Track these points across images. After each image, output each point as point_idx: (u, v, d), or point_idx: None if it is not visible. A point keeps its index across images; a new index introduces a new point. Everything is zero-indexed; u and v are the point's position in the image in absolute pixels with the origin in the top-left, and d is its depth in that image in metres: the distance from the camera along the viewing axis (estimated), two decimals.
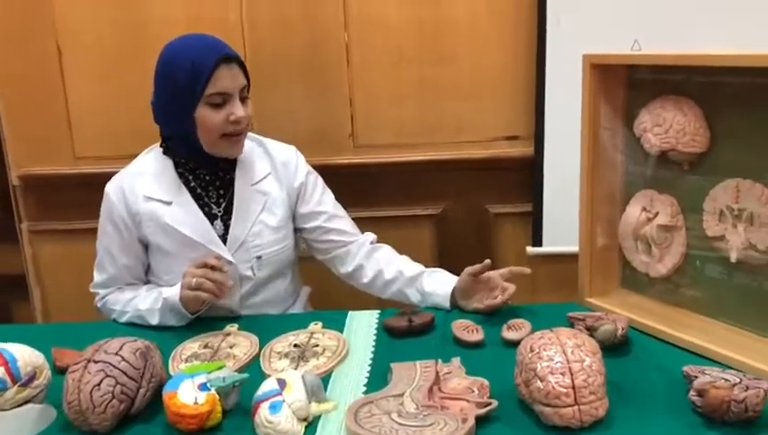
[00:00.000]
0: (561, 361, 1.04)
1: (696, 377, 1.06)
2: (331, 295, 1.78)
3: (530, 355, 1.07)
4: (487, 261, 1.44)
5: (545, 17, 1.85)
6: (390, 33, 1.92)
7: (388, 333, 1.38)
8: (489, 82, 1.95)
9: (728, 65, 1.16)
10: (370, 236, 1.63)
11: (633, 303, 1.42)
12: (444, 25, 1.92)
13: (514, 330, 1.32)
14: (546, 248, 2.01)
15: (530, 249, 2.03)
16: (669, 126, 1.27)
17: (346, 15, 1.92)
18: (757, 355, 1.17)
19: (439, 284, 1.50)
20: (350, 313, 1.48)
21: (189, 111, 1.40)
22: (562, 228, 1.93)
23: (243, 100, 1.44)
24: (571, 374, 1.02)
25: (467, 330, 1.34)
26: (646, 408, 1.08)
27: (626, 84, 1.38)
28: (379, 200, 2.02)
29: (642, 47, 1.33)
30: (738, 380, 1.03)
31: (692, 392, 1.05)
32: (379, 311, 1.48)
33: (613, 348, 1.25)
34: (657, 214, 1.36)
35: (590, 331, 1.27)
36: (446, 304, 1.47)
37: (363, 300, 1.65)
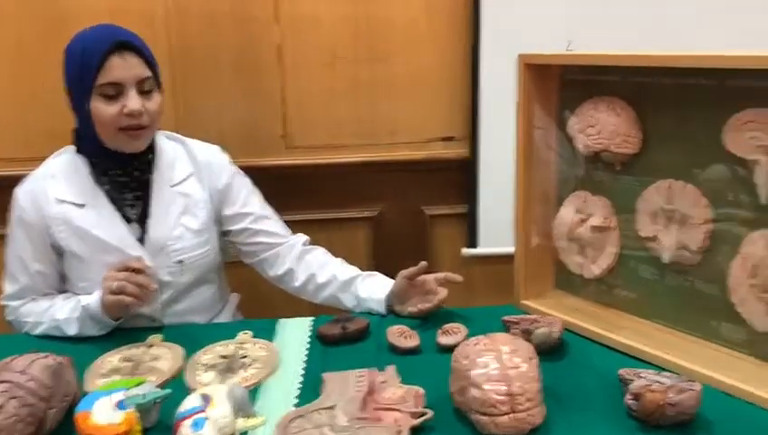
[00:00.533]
0: (496, 368, 1.01)
1: (632, 380, 1.05)
2: (262, 302, 1.72)
3: (465, 362, 1.04)
4: (423, 263, 1.42)
5: (480, 18, 1.83)
6: (324, 31, 1.87)
7: (321, 341, 1.33)
8: (425, 82, 1.92)
9: (660, 66, 1.16)
10: (302, 237, 1.57)
11: (568, 304, 1.41)
12: (379, 24, 1.88)
13: (450, 335, 1.29)
14: (482, 250, 2.00)
15: (465, 251, 2.01)
16: (602, 127, 1.27)
17: (277, 12, 1.86)
18: (690, 356, 1.17)
19: (375, 288, 1.46)
20: (281, 320, 1.43)
21: (84, 103, 1.33)
22: (498, 229, 1.92)
23: (145, 92, 1.35)
24: (507, 381, 1.00)
25: (403, 336, 1.30)
26: (582, 413, 1.06)
27: (559, 85, 1.38)
28: (313, 203, 1.97)
29: (576, 48, 1.33)
30: (672, 382, 1.02)
31: (628, 396, 1.04)
32: (312, 318, 1.43)
33: (549, 352, 1.24)
34: (590, 215, 1.35)
35: (526, 334, 1.25)
36: (382, 309, 1.43)
37: (296, 306, 1.59)
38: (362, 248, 2.01)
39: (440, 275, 1.43)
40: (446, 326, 1.32)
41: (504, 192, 1.87)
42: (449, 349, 1.21)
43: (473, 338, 1.09)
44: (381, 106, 1.93)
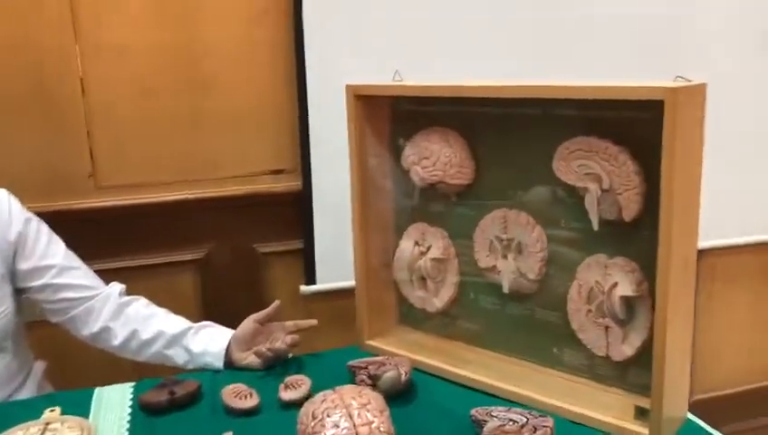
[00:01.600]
0: (347, 426, 0.92)
1: (485, 421, 1.02)
2: (75, 368, 1.50)
3: (312, 423, 0.94)
4: (276, 302, 1.34)
5: (303, 46, 1.76)
6: (135, 59, 1.70)
7: (145, 411, 1.16)
8: (249, 112, 1.81)
9: (487, 96, 1.16)
10: (117, 286, 1.38)
11: (413, 340, 1.37)
12: (196, 52, 1.74)
13: (293, 389, 1.19)
14: (321, 286, 1.91)
15: (303, 288, 1.92)
16: (437, 158, 1.24)
17: (78, 39, 1.66)
18: (536, 387, 1.16)
19: (210, 340, 1.32)
20: (96, 389, 1.24)
21: None
22: (336, 263, 1.85)
23: None
24: None
25: (239, 396, 1.17)
26: None
27: (391, 116, 1.34)
28: (130, 248, 1.77)
29: (405, 78, 1.30)
30: (525, 419, 1.00)
31: None
32: (132, 384, 1.25)
33: (398, 395, 1.17)
34: (429, 247, 1.32)
35: (374, 380, 1.18)
36: (220, 364, 1.30)
37: (119, 368, 1.41)
38: (189, 295, 1.85)
39: (290, 323, 1.33)
40: (289, 379, 1.21)
41: (341, 224, 1.80)
42: (293, 404, 1.12)
43: (319, 394, 1.00)
44: (203, 139, 1.80)
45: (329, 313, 1.91)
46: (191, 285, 1.85)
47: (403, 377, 1.18)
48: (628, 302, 1.08)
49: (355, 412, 0.95)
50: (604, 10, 1.86)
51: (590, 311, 1.13)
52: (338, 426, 0.93)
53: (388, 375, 1.17)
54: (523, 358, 1.25)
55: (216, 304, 1.84)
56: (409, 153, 1.28)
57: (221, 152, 1.82)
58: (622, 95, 0.97)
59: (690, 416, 1.10)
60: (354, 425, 0.93)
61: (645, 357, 1.09)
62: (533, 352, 1.23)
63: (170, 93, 1.75)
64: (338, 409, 0.95)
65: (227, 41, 1.77)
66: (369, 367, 1.21)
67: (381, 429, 0.94)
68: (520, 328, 1.24)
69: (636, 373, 1.11)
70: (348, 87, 1.27)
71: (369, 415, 0.94)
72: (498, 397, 1.17)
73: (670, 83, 0.94)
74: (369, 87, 1.27)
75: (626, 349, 1.10)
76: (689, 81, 0.96)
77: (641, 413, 1.04)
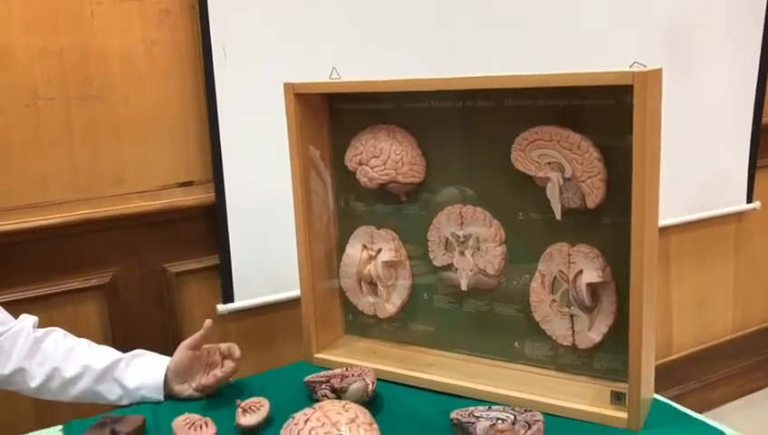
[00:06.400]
0: None
1: (470, 423, 0.98)
2: None
3: None
4: (208, 322, 1.22)
5: (210, 48, 1.64)
6: (20, 67, 1.51)
7: None
8: (152, 122, 1.67)
9: (441, 89, 1.13)
10: (29, 319, 1.22)
11: (364, 349, 1.31)
12: (90, 57, 1.57)
13: (252, 412, 1.09)
14: (239, 303, 1.79)
15: (221, 307, 1.79)
16: (387, 157, 1.19)
17: None
18: (504, 383, 1.14)
19: (146, 371, 1.19)
20: None
21: None
22: (255, 279, 1.74)
23: None
24: None
25: (193, 427, 1.06)
26: None
27: (330, 115, 1.28)
28: (25, 277, 1.56)
29: (333, 75, 1.25)
30: (512, 416, 0.97)
31: None
32: (60, 428, 1.10)
33: (365, 407, 1.11)
34: (379, 250, 1.27)
35: (338, 393, 1.12)
36: (160, 396, 1.17)
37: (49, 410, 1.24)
38: (95, 324, 1.66)
39: (224, 345, 1.23)
40: (245, 403, 1.11)
41: (259, 238, 1.72)
42: (253, 429, 1.03)
43: (298, 414, 0.92)
44: (103, 152, 1.62)
45: (249, 332, 1.80)
46: (96, 314, 1.67)
47: (370, 387, 1.12)
48: (592, 288, 1.09)
49: (344, 429, 0.88)
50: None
51: (554, 301, 1.13)
52: None
53: (355, 386, 1.11)
54: (483, 355, 1.23)
55: (125, 332, 1.67)
56: (355, 153, 1.23)
57: (123, 166, 1.66)
58: (589, 81, 0.97)
59: (656, 396, 1.12)
60: None
61: (610, 342, 1.11)
62: (494, 349, 1.22)
63: (62, 102, 1.57)
64: (325, 427, 0.88)
65: (123, 44, 1.61)
66: (332, 380, 1.13)
67: None
68: (479, 325, 1.22)
69: (602, 359, 1.12)
70: (286, 85, 1.20)
71: (361, 430, 0.88)
72: (466, 397, 1.14)
73: (635, 69, 0.95)
74: (309, 85, 1.20)
75: (593, 336, 1.10)
76: (645, 66, 0.98)
77: (617, 398, 1.05)
